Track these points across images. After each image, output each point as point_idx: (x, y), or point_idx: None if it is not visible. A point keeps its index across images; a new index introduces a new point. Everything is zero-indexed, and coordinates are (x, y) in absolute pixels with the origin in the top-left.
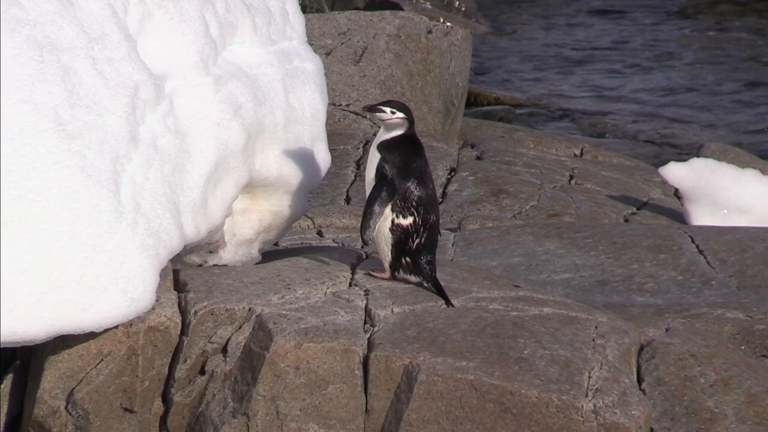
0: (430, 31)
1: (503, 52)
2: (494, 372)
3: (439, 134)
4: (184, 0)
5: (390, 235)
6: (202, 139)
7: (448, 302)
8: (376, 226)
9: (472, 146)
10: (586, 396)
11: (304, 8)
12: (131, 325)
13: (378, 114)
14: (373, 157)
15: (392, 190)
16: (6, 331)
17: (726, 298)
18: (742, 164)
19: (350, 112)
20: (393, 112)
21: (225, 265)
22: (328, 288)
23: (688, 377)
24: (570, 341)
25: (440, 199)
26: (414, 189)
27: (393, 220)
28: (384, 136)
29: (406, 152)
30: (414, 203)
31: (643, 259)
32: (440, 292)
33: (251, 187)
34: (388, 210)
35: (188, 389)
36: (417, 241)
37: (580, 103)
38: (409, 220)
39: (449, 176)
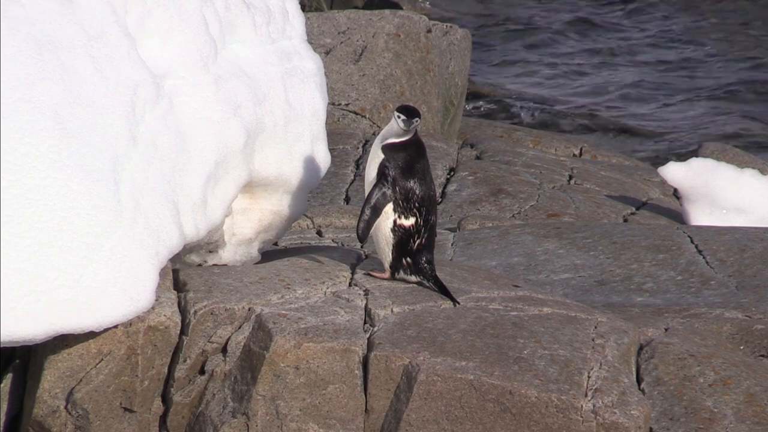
0: (429, 31)
1: (502, 51)
2: (494, 372)
3: (439, 134)
4: None
5: (391, 235)
6: (201, 138)
7: (453, 300)
8: (373, 225)
9: (472, 146)
10: (586, 396)
11: (303, 7)
12: (131, 324)
13: (413, 125)
14: (375, 156)
15: (392, 190)
16: (5, 331)
17: (725, 298)
18: (741, 164)
19: (350, 111)
20: (417, 121)
21: (225, 265)
22: (327, 288)
23: (687, 377)
24: (569, 341)
25: (439, 199)
26: (417, 190)
27: (395, 221)
28: (392, 138)
29: (410, 154)
30: (417, 204)
31: (642, 259)
32: (443, 290)
33: (251, 186)
34: (390, 210)
35: (188, 389)
36: (418, 241)
37: (578, 102)
38: (412, 220)
39: (448, 176)
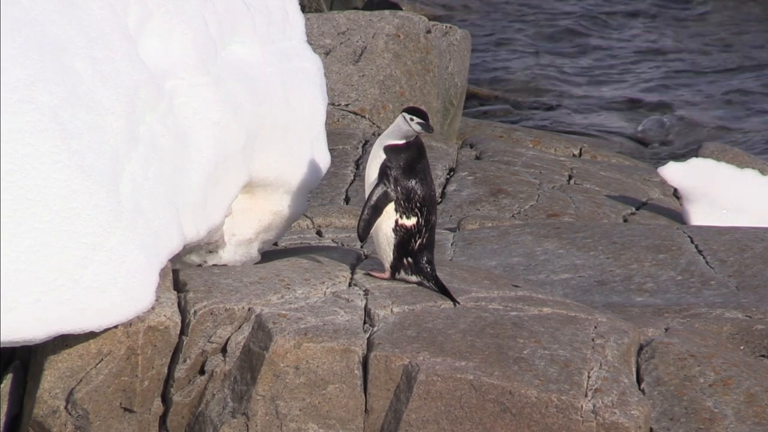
0: (429, 31)
1: (500, 50)
2: (494, 372)
3: (438, 134)
4: None
5: (393, 235)
6: (201, 139)
7: (453, 300)
8: (374, 224)
9: (471, 146)
10: (586, 396)
11: (303, 8)
12: (131, 324)
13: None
14: (376, 157)
15: (394, 190)
16: (6, 331)
17: (725, 298)
18: (741, 164)
19: (349, 111)
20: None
21: (225, 265)
22: (327, 288)
23: (687, 377)
24: (569, 341)
25: (439, 199)
26: (418, 190)
27: (396, 221)
28: (394, 140)
29: (411, 155)
30: (418, 204)
31: (642, 259)
32: (444, 290)
33: (251, 186)
34: (391, 210)
35: (188, 389)
36: (419, 241)
37: (578, 101)
38: (413, 220)
39: (448, 176)
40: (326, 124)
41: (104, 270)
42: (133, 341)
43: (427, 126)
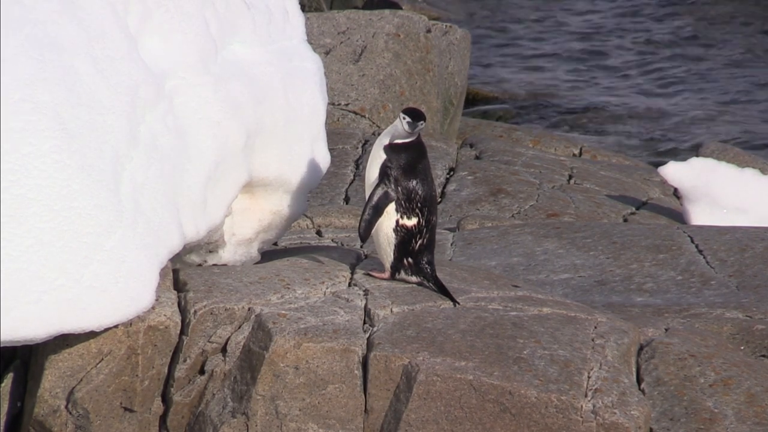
0: (429, 30)
1: (498, 49)
2: (493, 372)
3: (438, 134)
4: None
5: (393, 235)
6: (201, 139)
7: (453, 301)
8: (375, 224)
9: (471, 146)
10: (586, 396)
11: (303, 7)
12: (131, 324)
13: (417, 128)
14: (377, 157)
15: (395, 190)
16: (6, 331)
17: (725, 297)
18: (742, 164)
19: (349, 111)
20: (422, 124)
21: (225, 265)
22: (327, 288)
23: (687, 377)
24: (569, 341)
25: (439, 199)
26: (419, 190)
27: (397, 221)
28: (394, 139)
29: (411, 154)
30: (419, 204)
31: (642, 259)
32: (443, 291)
33: (251, 186)
34: (392, 210)
35: (188, 389)
36: (420, 242)
37: (578, 101)
38: (414, 221)
39: (448, 176)
40: (326, 123)
41: (105, 269)
42: (133, 341)
43: (413, 125)
